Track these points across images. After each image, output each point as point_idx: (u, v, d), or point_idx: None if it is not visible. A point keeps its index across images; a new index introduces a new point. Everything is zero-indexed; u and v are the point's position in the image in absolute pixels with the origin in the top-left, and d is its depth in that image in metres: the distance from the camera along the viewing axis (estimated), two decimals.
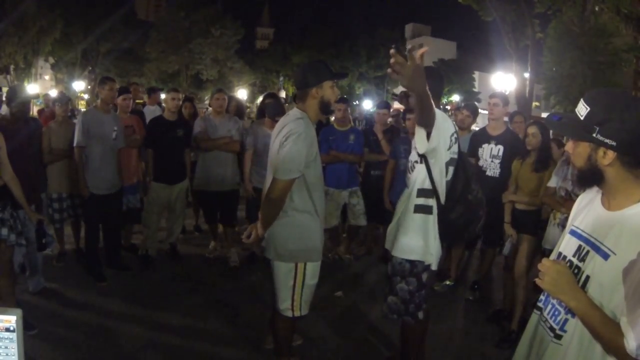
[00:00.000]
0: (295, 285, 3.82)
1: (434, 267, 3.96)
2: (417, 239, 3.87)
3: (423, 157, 3.70)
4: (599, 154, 1.89)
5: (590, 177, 1.96)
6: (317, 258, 3.88)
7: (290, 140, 3.56)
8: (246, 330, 5.14)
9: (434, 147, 3.53)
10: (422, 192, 3.82)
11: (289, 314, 3.89)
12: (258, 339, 4.84)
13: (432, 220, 3.83)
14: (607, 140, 1.85)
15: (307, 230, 3.80)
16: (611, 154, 1.87)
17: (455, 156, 3.80)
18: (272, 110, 6.56)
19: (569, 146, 2.01)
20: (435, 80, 3.89)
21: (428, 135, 3.45)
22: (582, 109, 1.92)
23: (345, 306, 5.96)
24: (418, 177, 3.83)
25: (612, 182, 1.92)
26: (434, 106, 3.21)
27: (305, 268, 3.82)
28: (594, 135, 1.87)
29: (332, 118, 7.74)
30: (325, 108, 3.82)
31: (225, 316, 5.50)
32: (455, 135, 3.78)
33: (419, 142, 3.53)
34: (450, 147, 3.71)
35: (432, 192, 3.77)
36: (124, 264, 6.74)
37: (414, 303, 3.98)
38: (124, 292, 6.00)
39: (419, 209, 3.84)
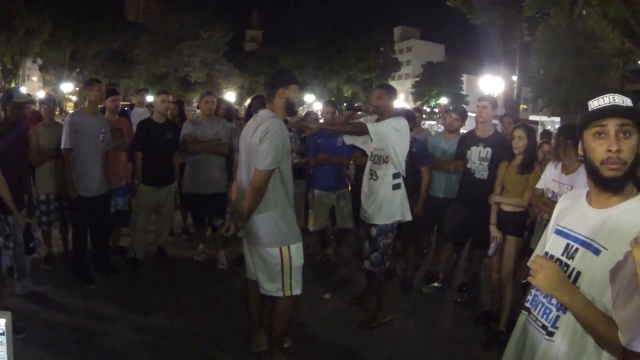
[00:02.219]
0: (283, 268, 4.19)
1: (409, 218, 5.45)
2: (397, 207, 5.31)
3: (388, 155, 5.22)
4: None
5: (635, 170, 1.94)
6: (298, 240, 4.31)
7: (269, 135, 3.98)
8: (235, 332, 5.14)
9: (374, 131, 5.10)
10: (395, 175, 5.26)
11: (280, 293, 4.24)
12: (247, 340, 4.83)
13: (402, 191, 5.35)
14: None
15: (284, 216, 4.21)
16: None
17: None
18: (260, 107, 6.60)
19: (621, 145, 1.90)
20: (394, 90, 5.58)
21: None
22: (625, 100, 1.93)
23: (334, 308, 5.97)
24: (389, 167, 5.23)
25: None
26: (352, 127, 5.50)
27: (289, 250, 4.21)
28: None
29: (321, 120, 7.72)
30: (290, 108, 4.32)
31: (215, 318, 5.50)
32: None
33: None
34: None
35: (398, 174, 5.28)
36: (112, 266, 6.70)
37: (387, 254, 5.45)
38: (112, 295, 5.98)
39: (396, 187, 5.28)
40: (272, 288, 4.23)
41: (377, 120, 5.29)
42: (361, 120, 5.60)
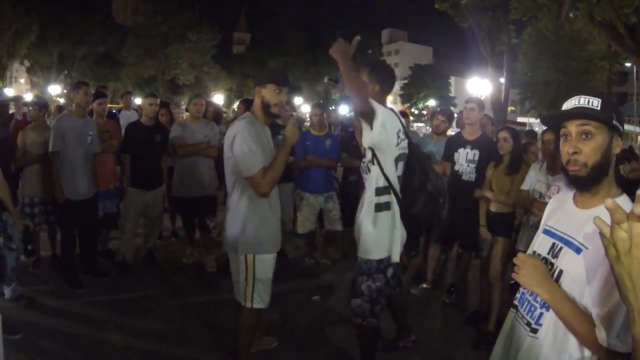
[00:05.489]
0: (247, 277, 3.92)
1: (396, 259, 4.08)
2: (382, 238, 3.96)
3: (374, 157, 3.89)
4: (614, 142, 1.96)
5: (603, 171, 1.97)
6: (266, 251, 3.98)
7: (237, 139, 3.76)
8: (223, 335, 5.13)
9: (380, 140, 3.79)
10: (379, 191, 3.93)
11: (242, 302, 4.00)
12: (235, 343, 4.83)
13: (392, 215, 3.96)
14: (620, 127, 1.95)
15: (256, 222, 3.90)
16: (619, 141, 1.97)
17: (405, 151, 4.02)
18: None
19: (578, 145, 1.96)
20: (383, 72, 4.21)
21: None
22: (592, 101, 1.95)
23: (322, 310, 5.98)
24: (373, 176, 3.93)
25: (610, 175, 1.99)
26: (362, 88, 3.66)
27: (254, 260, 3.91)
28: (614, 122, 1.94)
29: (307, 123, 7.74)
30: (265, 108, 4.00)
31: (203, 321, 5.49)
32: (402, 131, 3.99)
33: (365, 136, 3.81)
34: (398, 144, 3.92)
35: (389, 189, 3.93)
36: (100, 270, 6.69)
37: (380, 304, 4.10)
38: (100, 298, 5.96)
39: (379, 207, 3.95)
40: (238, 295, 4.05)
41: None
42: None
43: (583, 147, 1.94)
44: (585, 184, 1.98)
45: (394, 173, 3.92)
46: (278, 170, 3.84)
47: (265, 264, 3.97)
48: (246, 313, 4.03)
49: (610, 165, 1.97)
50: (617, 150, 1.96)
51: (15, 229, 4.90)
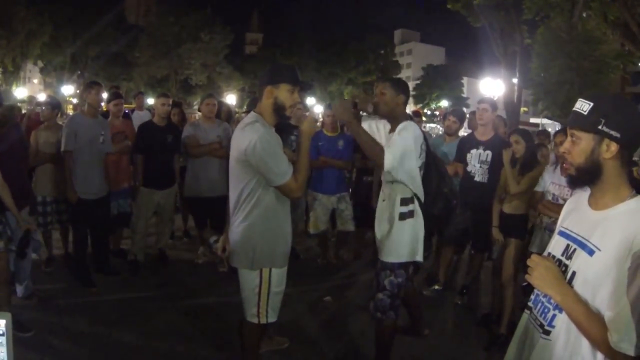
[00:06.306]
0: (260, 292, 3.68)
1: (420, 259, 4.24)
2: (406, 244, 4.11)
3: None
4: (603, 147, 1.97)
5: (589, 174, 2.02)
6: (282, 264, 3.77)
7: (258, 148, 3.40)
8: (235, 335, 5.13)
9: (395, 166, 3.88)
10: (404, 201, 4.09)
11: (255, 320, 3.76)
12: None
13: (416, 221, 4.13)
14: (612, 132, 1.94)
15: (271, 234, 3.67)
16: (614, 147, 1.95)
17: (424, 160, 4.17)
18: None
19: (566, 146, 2.07)
20: (403, 84, 4.32)
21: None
22: (584, 106, 2.00)
23: (334, 311, 5.97)
24: (398, 189, 4.08)
25: (607, 179, 2.00)
26: (379, 151, 3.86)
27: (270, 274, 3.69)
28: (600, 127, 1.95)
29: (319, 124, 7.72)
30: (279, 111, 3.64)
31: (214, 321, 5.49)
32: (423, 142, 4.13)
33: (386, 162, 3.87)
34: (420, 155, 4.08)
35: (413, 198, 4.10)
36: (112, 269, 6.71)
37: (399, 298, 4.24)
38: (112, 297, 5.99)
39: (403, 216, 4.10)
40: (248, 314, 3.76)
41: (391, 127, 4.23)
42: (365, 123, 4.38)
43: (571, 149, 2.05)
44: (576, 182, 2.09)
45: (418, 184, 4.10)
46: (306, 170, 3.68)
47: (281, 277, 3.79)
48: (254, 327, 3.83)
49: (600, 170, 2.00)
50: (608, 155, 1.97)
51: (18, 230, 4.90)
